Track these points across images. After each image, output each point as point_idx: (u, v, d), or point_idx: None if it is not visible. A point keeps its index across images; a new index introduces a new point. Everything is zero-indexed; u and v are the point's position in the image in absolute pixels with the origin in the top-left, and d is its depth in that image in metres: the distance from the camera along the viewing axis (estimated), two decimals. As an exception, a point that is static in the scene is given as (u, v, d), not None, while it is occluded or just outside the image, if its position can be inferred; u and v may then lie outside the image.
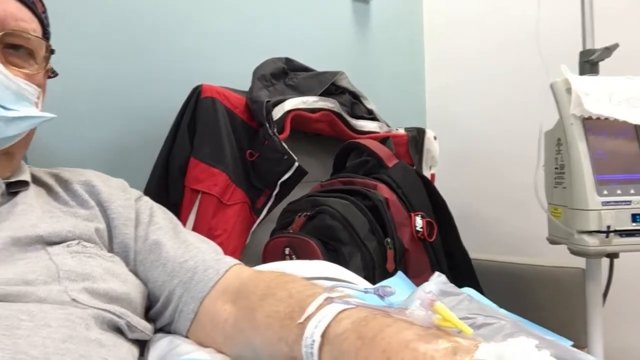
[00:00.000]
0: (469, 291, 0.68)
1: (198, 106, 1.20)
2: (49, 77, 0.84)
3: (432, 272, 1.07)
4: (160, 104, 1.30)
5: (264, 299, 0.59)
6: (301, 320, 0.51)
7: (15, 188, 0.71)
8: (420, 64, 2.17)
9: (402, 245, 1.01)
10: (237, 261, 0.72)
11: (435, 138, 1.53)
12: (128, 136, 1.26)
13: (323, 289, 0.56)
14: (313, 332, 0.48)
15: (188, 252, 0.71)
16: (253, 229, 1.25)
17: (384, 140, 1.26)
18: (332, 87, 1.42)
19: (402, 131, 1.48)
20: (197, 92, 1.21)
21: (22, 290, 0.56)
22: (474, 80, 1.97)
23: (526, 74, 1.64)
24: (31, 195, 0.71)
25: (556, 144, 1.13)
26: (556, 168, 1.13)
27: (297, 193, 1.28)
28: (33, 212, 0.68)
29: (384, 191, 1.03)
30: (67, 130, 1.15)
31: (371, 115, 1.48)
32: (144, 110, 1.29)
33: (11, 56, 0.68)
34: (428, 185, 1.13)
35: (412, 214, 1.03)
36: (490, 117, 1.90)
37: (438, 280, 0.63)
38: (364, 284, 0.80)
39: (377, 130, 1.43)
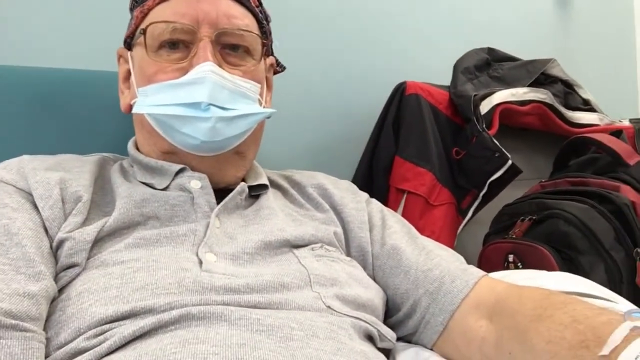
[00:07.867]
0: None
1: (402, 103, 1.17)
2: (276, 72, 0.84)
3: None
4: (361, 103, 1.29)
5: (537, 320, 0.53)
6: (604, 352, 0.44)
7: (256, 191, 0.73)
8: (631, 44, 1.89)
9: (655, 257, 0.86)
10: (483, 272, 0.66)
11: (667, 130, 1.30)
12: (331, 136, 1.27)
13: (619, 315, 0.48)
14: (631, 370, 0.41)
15: (430, 259, 0.67)
16: (459, 231, 1.18)
17: (616, 134, 1.10)
18: (541, 76, 1.29)
19: (626, 123, 1.29)
20: (401, 89, 1.18)
21: (283, 298, 0.56)
22: None
23: None
24: (271, 199, 0.73)
25: None
26: None
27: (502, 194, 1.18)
28: (277, 216, 0.69)
29: (628, 193, 0.89)
30: (272, 133, 1.18)
31: (588, 106, 1.31)
32: (346, 110, 1.29)
33: (228, 56, 0.69)
34: (680, 186, 0.96)
35: (667, 221, 0.87)
36: None
37: None
38: (625, 303, 0.69)
39: (597, 122, 1.26)
